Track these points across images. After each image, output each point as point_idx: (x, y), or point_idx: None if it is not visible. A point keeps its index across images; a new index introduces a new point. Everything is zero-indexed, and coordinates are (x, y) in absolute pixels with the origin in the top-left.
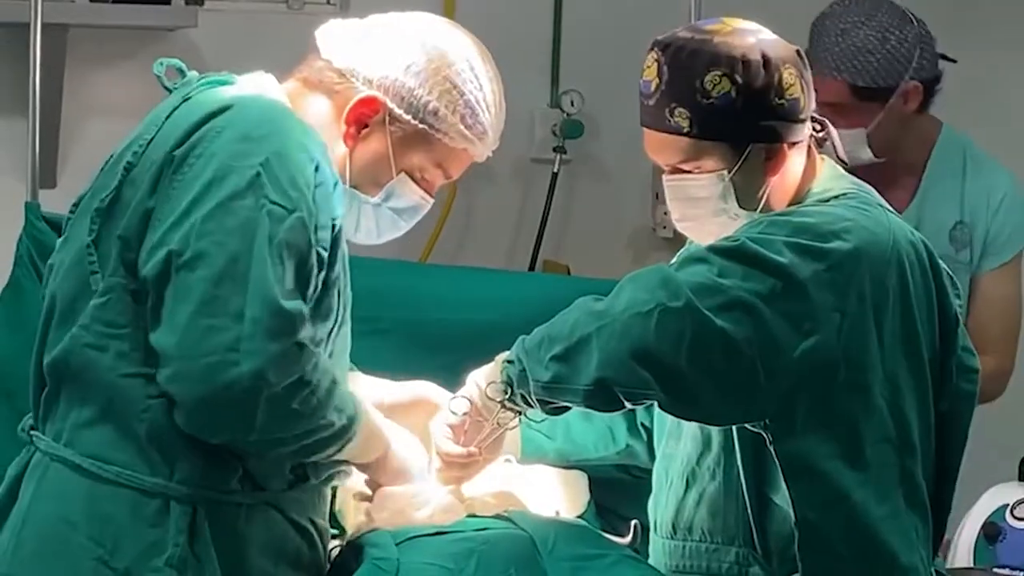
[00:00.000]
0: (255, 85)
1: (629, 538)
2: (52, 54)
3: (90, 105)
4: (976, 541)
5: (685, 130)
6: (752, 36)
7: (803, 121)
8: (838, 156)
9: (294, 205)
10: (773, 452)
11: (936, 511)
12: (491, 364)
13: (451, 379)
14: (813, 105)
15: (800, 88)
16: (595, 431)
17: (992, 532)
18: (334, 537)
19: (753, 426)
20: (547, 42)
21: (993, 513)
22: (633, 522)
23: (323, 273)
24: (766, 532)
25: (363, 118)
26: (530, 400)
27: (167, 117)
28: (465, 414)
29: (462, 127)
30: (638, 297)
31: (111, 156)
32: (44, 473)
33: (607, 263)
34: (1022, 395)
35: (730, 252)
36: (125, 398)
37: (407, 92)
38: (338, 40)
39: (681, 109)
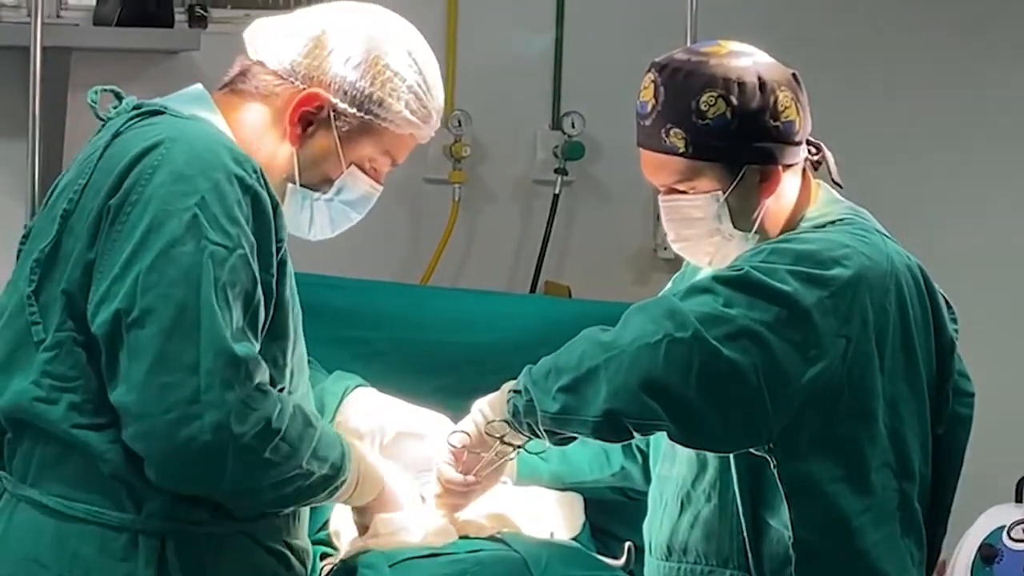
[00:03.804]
0: (187, 107)
1: (623, 560)
2: (55, 77)
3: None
4: (973, 563)
5: (680, 150)
6: (748, 58)
7: (798, 144)
8: (833, 180)
9: (235, 243)
10: (776, 475)
11: (931, 535)
12: (497, 393)
13: (450, 400)
14: (809, 128)
15: (795, 111)
16: (590, 453)
17: (989, 554)
18: (326, 556)
19: (757, 450)
20: (548, 64)
21: (990, 534)
22: (627, 544)
23: (274, 298)
24: (760, 555)
25: (308, 116)
26: (537, 430)
27: (99, 158)
28: (464, 447)
29: (407, 113)
30: (645, 328)
31: (51, 192)
32: (12, 513)
33: (608, 284)
34: (1019, 417)
35: (734, 282)
36: (82, 444)
37: (349, 86)
38: (270, 41)
39: (677, 130)
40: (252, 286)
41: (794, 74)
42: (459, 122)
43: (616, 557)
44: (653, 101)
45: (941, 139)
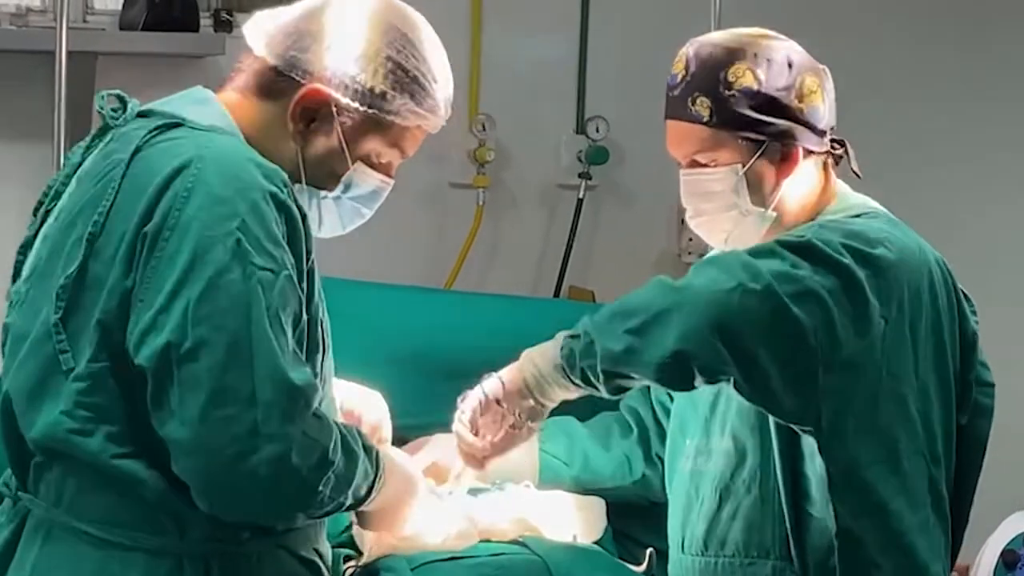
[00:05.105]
0: (198, 113)
1: (644, 566)
2: (81, 81)
3: None
4: (995, 568)
5: (705, 119)
6: (781, 42)
7: (822, 133)
8: (852, 170)
9: (280, 265)
10: (822, 460)
11: (955, 525)
12: (549, 342)
13: None
14: (833, 121)
15: (821, 99)
16: (613, 460)
17: (1011, 560)
18: (349, 559)
19: (804, 430)
20: (573, 69)
21: (1012, 540)
22: (648, 550)
23: (307, 311)
24: (804, 544)
25: (310, 112)
26: (591, 376)
27: (122, 176)
28: (496, 399)
29: (412, 105)
30: (720, 276)
31: (46, 200)
32: (47, 539)
33: (632, 289)
34: None
35: (799, 248)
36: (121, 473)
37: (350, 80)
38: (270, 36)
39: (703, 98)
40: (299, 307)
41: (824, 69)
42: (483, 126)
43: (638, 563)
44: (683, 72)
45: (957, 137)
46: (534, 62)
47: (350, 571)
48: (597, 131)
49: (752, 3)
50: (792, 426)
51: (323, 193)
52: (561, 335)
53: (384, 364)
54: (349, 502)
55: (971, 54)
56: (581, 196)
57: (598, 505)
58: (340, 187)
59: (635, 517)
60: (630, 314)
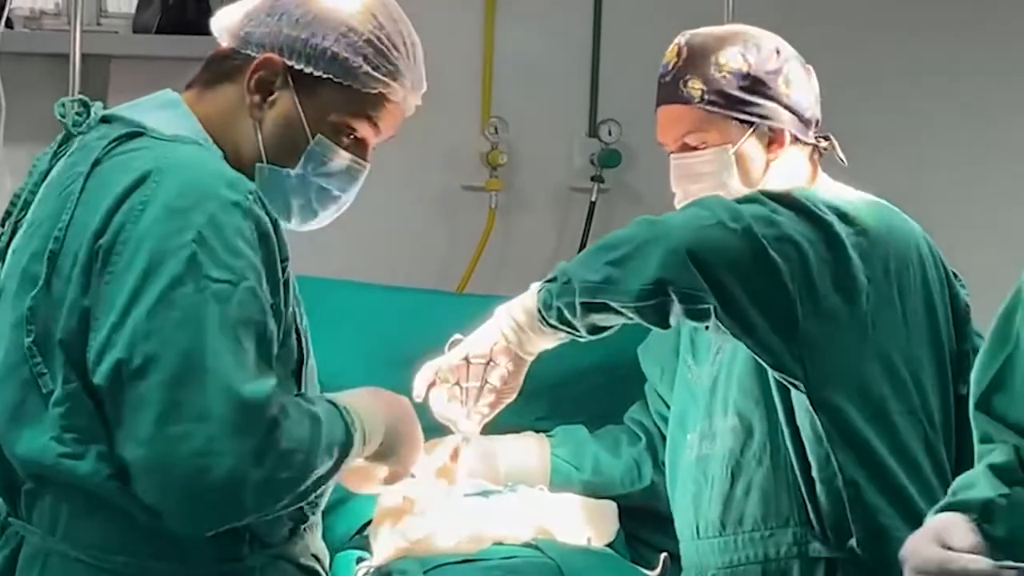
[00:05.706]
0: (160, 120)
1: (658, 571)
2: (95, 84)
3: None
4: None
5: (696, 100)
6: (770, 34)
7: (807, 121)
8: (838, 156)
9: (239, 276)
10: (813, 413)
11: None
12: (524, 294)
13: None
14: (819, 115)
15: (806, 89)
16: (622, 465)
17: None
18: (362, 560)
19: (792, 383)
20: (585, 72)
21: None
22: (662, 555)
23: (283, 321)
24: (820, 507)
25: (264, 83)
26: (567, 314)
27: (80, 190)
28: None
29: (368, 68)
30: (700, 213)
31: (12, 214)
32: (43, 568)
33: None
34: None
35: (780, 198)
36: (116, 495)
37: (301, 44)
38: (229, 22)
39: (695, 80)
40: (262, 316)
41: (810, 67)
42: (495, 129)
43: (651, 567)
44: (675, 59)
45: (957, 129)
46: (546, 65)
47: (363, 573)
48: (609, 134)
49: (763, 5)
50: (781, 377)
51: (286, 171)
52: (535, 285)
53: (395, 367)
54: (335, 457)
55: (972, 47)
56: (593, 199)
57: (610, 508)
58: (301, 163)
59: (647, 521)
60: (611, 248)
